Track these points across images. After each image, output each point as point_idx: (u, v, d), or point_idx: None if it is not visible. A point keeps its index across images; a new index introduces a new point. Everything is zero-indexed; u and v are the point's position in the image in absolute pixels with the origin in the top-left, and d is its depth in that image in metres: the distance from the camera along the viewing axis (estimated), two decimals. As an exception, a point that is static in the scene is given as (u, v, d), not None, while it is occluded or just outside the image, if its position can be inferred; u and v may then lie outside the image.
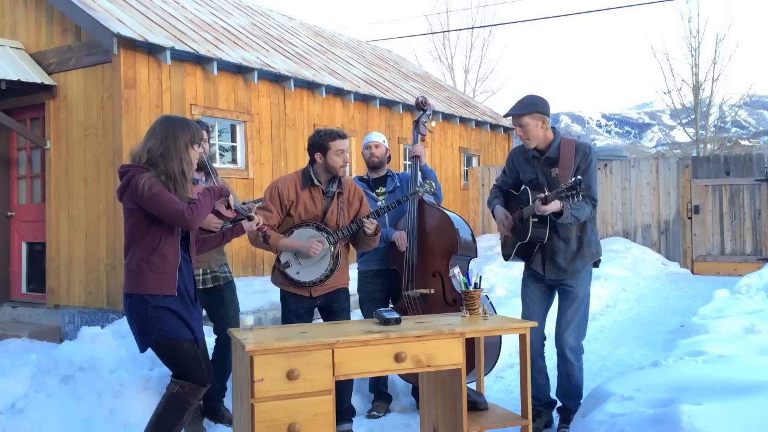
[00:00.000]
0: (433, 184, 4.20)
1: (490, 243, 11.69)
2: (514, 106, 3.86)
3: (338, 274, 3.99)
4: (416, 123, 4.72)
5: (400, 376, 4.44)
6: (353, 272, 4.52)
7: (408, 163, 4.70)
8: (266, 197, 4.02)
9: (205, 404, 4.23)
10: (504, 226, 3.99)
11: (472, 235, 4.38)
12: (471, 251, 4.33)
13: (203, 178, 4.03)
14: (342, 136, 3.99)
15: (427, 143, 12.12)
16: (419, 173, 4.50)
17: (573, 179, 3.47)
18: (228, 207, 3.37)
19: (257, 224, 3.46)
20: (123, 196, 3.11)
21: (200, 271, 4.09)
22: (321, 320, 4.23)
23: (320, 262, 3.93)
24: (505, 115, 4.02)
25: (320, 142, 3.95)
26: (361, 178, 4.68)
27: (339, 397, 3.76)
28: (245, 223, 3.46)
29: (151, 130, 3.19)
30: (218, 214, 3.38)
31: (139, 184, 3.01)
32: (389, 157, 4.71)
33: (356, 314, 5.36)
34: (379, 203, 4.44)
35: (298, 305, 4.01)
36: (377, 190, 4.56)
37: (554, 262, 3.87)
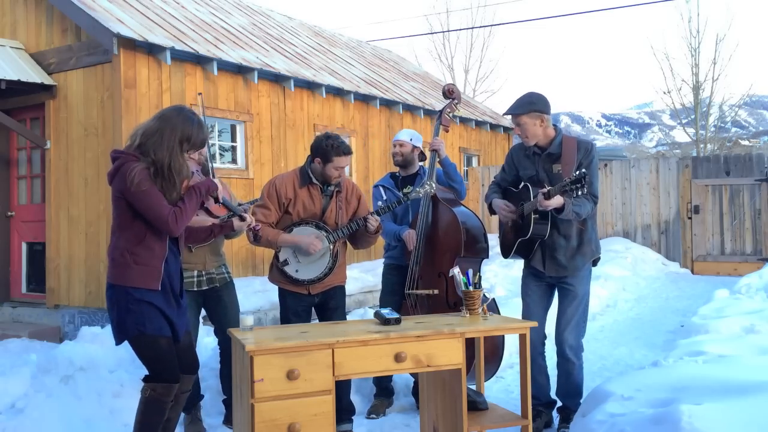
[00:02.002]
0: (433, 184, 4.17)
1: (490, 243, 11.68)
2: (513, 105, 3.88)
3: (336, 271, 4.02)
4: (440, 113, 4.60)
5: (412, 375, 4.43)
6: (357, 270, 4.51)
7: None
8: (264, 195, 4.02)
9: (227, 410, 4.22)
10: (505, 213, 3.98)
11: (485, 236, 4.31)
12: (480, 253, 4.26)
13: (198, 170, 3.94)
14: (347, 153, 3.96)
15: (427, 142, 12.12)
16: (438, 168, 4.43)
17: (578, 172, 3.47)
18: (216, 201, 3.29)
19: (249, 225, 3.39)
20: (111, 181, 3.04)
21: (194, 272, 4.07)
22: (317, 318, 4.24)
23: (319, 261, 3.93)
24: (504, 114, 4.03)
25: (324, 152, 3.92)
26: (392, 175, 4.67)
27: (337, 396, 3.77)
28: (236, 222, 3.41)
29: (159, 114, 3.11)
30: (208, 212, 3.31)
31: (128, 176, 2.93)
32: (421, 154, 4.62)
33: (354, 314, 5.36)
34: (380, 204, 4.42)
35: (297, 303, 4.02)
36: (404, 189, 4.50)
37: (554, 259, 3.87)
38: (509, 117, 3.92)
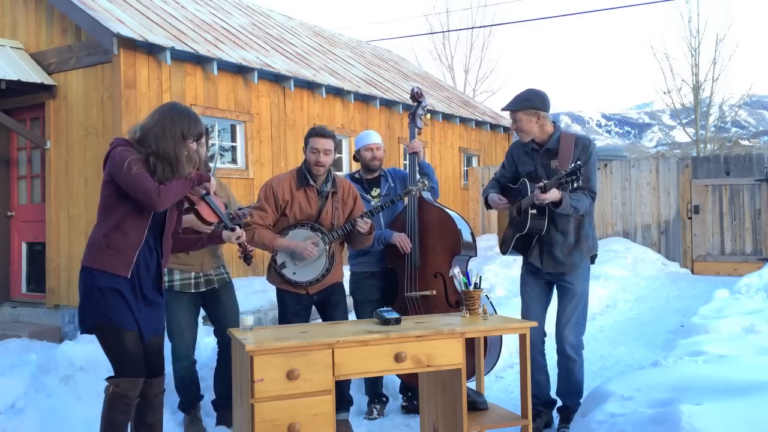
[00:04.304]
0: (426, 182, 4.17)
1: (490, 243, 11.70)
2: (510, 101, 3.90)
3: (334, 271, 4.02)
4: (412, 116, 4.58)
5: (399, 377, 4.44)
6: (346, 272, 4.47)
7: (407, 162, 4.62)
8: (261, 197, 4.02)
9: (218, 412, 4.22)
10: (500, 206, 4.00)
11: (472, 235, 4.36)
12: (472, 251, 4.30)
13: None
14: (323, 135, 3.96)
15: (426, 141, 12.13)
16: (404, 170, 4.44)
17: (573, 164, 3.47)
18: (207, 195, 3.24)
19: (237, 237, 3.32)
20: (104, 166, 3.07)
21: (192, 274, 4.07)
22: (318, 316, 4.24)
23: (316, 262, 3.93)
24: (501, 109, 4.04)
25: (306, 136, 4.03)
26: (353, 177, 4.56)
27: (337, 388, 3.78)
28: (225, 233, 3.35)
29: (155, 111, 3.13)
30: (199, 216, 3.24)
31: (118, 155, 2.93)
32: None
33: (353, 314, 5.35)
34: (372, 203, 4.39)
35: (296, 303, 4.02)
36: (372, 192, 4.47)
37: (552, 255, 3.87)
38: (509, 116, 3.93)
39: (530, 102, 3.81)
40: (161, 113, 3.08)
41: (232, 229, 3.33)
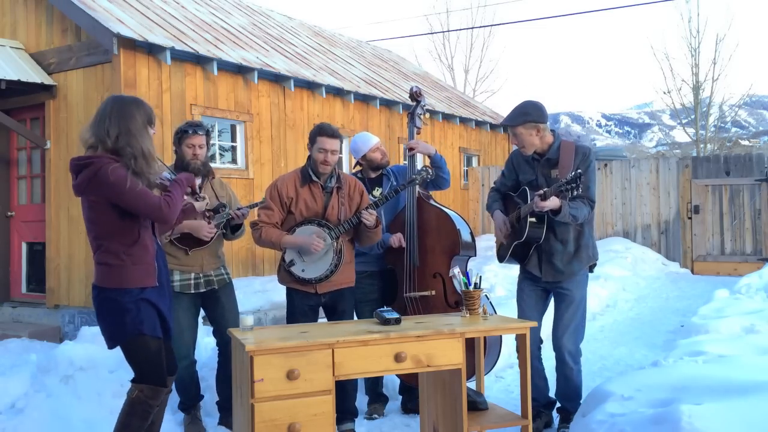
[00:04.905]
0: (430, 170, 4.16)
1: (490, 243, 11.69)
2: (508, 116, 3.88)
3: (344, 269, 3.97)
4: (411, 115, 4.56)
5: (399, 377, 4.44)
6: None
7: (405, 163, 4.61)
8: (267, 197, 4.03)
9: (221, 413, 4.22)
10: (501, 232, 3.99)
11: (472, 234, 4.35)
12: (471, 251, 4.30)
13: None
14: (330, 135, 3.94)
15: (426, 141, 12.12)
16: (401, 165, 4.42)
17: (573, 172, 3.47)
18: (194, 193, 3.31)
19: (204, 206, 3.48)
20: (86, 189, 2.95)
21: (192, 275, 4.07)
22: (325, 318, 4.23)
23: (324, 258, 3.92)
24: (500, 125, 4.04)
25: (312, 134, 4.00)
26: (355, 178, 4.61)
27: (342, 398, 3.76)
28: (197, 204, 3.42)
29: (104, 113, 3.02)
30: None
31: (113, 176, 2.87)
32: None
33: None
34: (375, 195, 4.38)
35: (304, 303, 4.00)
36: (374, 192, 4.48)
37: (551, 264, 3.86)
38: (508, 131, 3.91)
39: (529, 116, 3.79)
40: (118, 113, 2.99)
41: (197, 200, 3.47)
